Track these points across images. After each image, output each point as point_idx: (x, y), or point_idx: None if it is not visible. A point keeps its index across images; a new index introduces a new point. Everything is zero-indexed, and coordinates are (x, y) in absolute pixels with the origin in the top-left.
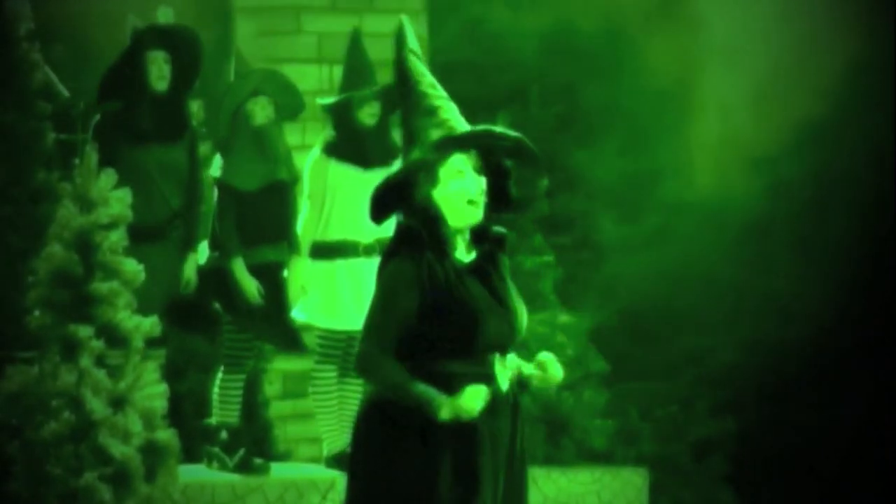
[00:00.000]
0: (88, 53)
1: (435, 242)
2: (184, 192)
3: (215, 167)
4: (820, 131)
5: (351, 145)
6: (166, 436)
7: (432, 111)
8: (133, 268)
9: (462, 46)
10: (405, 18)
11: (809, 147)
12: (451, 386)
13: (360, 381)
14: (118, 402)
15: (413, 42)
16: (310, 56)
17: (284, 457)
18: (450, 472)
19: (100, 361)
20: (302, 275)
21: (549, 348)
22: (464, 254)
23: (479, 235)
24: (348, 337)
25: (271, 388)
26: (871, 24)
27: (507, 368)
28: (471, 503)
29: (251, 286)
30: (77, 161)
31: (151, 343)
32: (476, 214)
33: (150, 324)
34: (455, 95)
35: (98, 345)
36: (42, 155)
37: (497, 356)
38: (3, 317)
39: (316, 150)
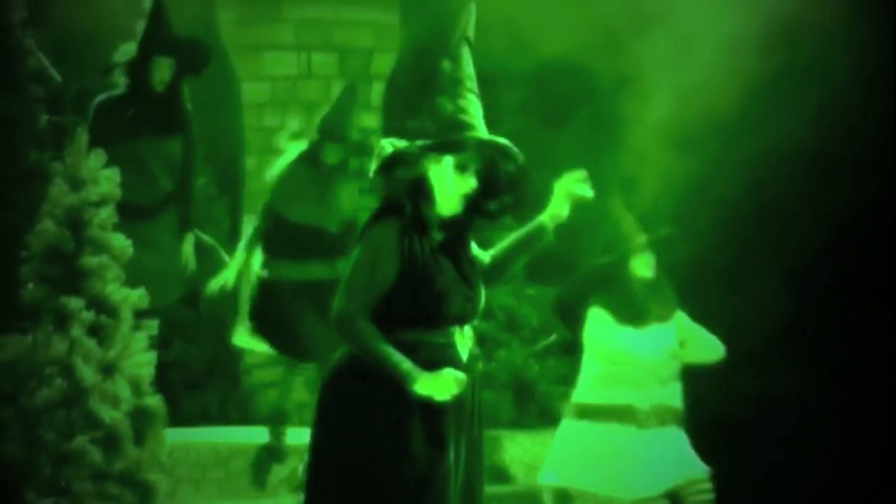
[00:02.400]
0: (77, 39)
1: (418, 219)
2: (176, 176)
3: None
4: (773, 107)
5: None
6: (153, 401)
7: (457, 97)
8: (121, 243)
9: (433, 32)
10: (473, 6)
11: (766, 124)
12: (416, 353)
13: None
14: (108, 370)
15: (470, 30)
16: (288, 43)
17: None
18: (420, 431)
19: (90, 331)
20: None
21: (516, 319)
22: (436, 232)
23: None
24: None
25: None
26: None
27: (466, 338)
28: (438, 461)
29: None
30: (68, 142)
31: (144, 314)
32: (459, 206)
33: (137, 296)
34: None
35: (88, 316)
36: (35, 136)
37: (458, 328)
38: None
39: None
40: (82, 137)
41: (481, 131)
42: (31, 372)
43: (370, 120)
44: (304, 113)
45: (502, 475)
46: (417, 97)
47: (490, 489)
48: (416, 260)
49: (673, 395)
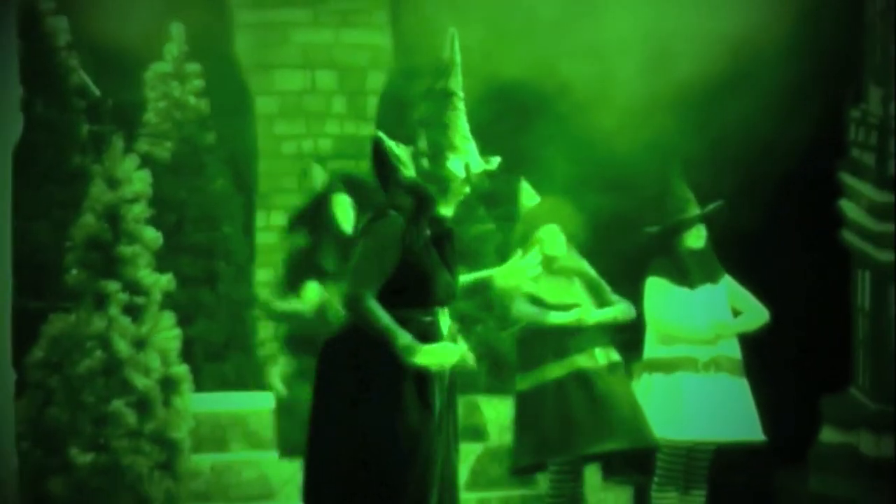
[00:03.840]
0: (114, 59)
1: (417, 215)
2: None
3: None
4: (708, 116)
5: (675, 266)
6: (180, 371)
7: (445, 108)
8: (152, 235)
9: (421, 53)
10: (453, 30)
11: (701, 131)
12: (406, 328)
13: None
14: (140, 344)
15: (456, 53)
16: (296, 62)
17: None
18: (413, 392)
19: (125, 310)
20: None
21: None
22: (428, 227)
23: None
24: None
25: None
26: None
27: (446, 317)
28: (427, 418)
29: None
30: (106, 147)
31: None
32: (456, 207)
33: (166, 280)
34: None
35: (124, 297)
36: (78, 143)
37: (440, 308)
38: (47, 274)
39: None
40: (118, 144)
41: (460, 134)
42: (74, 345)
43: (365, 129)
44: (307, 122)
45: (479, 434)
46: (406, 110)
47: (468, 446)
48: (413, 250)
49: (729, 347)
